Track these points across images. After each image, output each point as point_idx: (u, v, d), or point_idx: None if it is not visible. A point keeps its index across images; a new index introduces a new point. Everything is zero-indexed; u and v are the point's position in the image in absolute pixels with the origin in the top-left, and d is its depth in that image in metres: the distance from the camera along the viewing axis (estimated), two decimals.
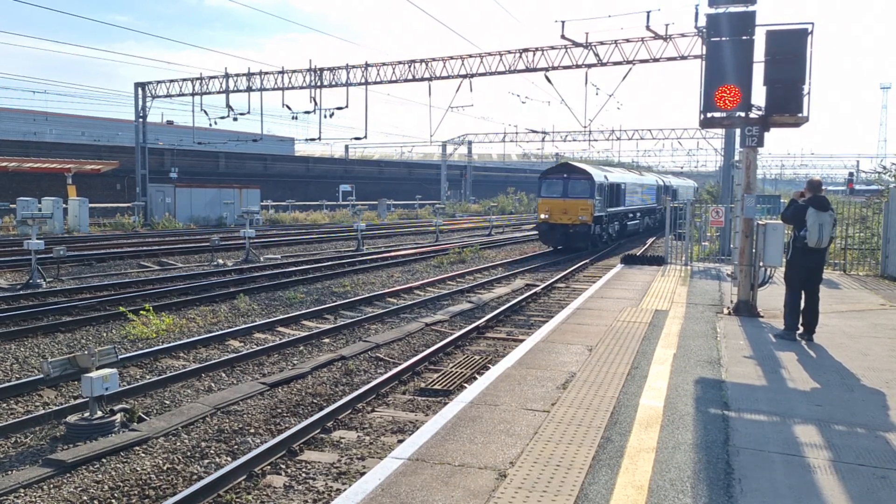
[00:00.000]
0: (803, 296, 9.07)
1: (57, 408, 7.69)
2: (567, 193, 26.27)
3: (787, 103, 9.81)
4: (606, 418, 5.77)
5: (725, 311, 10.94)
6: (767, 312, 10.62)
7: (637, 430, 5.51)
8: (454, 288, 16.96)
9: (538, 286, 17.27)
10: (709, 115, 10.25)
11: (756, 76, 9.86)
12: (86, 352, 7.20)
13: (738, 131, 11.96)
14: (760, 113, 10.01)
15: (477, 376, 8.85)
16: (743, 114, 10.05)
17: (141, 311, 12.08)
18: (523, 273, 20.54)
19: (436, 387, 8.69)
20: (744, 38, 9.89)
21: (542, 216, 26.70)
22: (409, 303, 14.75)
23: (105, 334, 11.61)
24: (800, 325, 9.09)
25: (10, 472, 6.14)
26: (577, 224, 26.04)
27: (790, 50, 9.69)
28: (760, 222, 10.74)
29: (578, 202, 26.04)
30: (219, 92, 34.64)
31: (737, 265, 11.06)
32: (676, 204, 33.66)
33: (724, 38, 10.01)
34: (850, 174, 54.51)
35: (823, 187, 9.35)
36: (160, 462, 6.40)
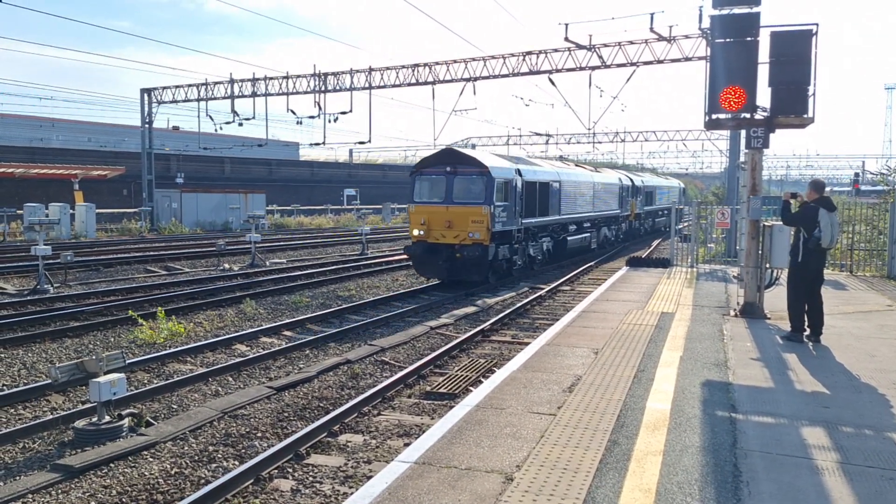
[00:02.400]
0: (806, 298, 9.04)
1: (65, 413, 7.72)
2: (451, 196, 16.99)
3: (793, 104, 9.79)
4: (613, 421, 5.76)
5: (732, 313, 10.91)
6: (774, 314, 10.59)
7: (644, 433, 5.49)
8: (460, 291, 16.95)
9: (543, 289, 17.26)
10: (714, 116, 10.24)
11: (761, 77, 9.86)
12: (93, 357, 7.24)
13: (743, 133, 11.92)
14: (765, 114, 9.99)
15: (482, 380, 8.84)
16: (748, 115, 10.03)
17: (150, 316, 12.12)
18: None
19: (441, 390, 8.68)
20: (748, 39, 9.88)
21: (416, 232, 17.22)
22: (414, 306, 14.75)
23: (112, 339, 11.65)
24: (805, 327, 9.07)
25: (18, 478, 6.16)
26: (467, 245, 16.58)
27: (795, 51, 9.67)
28: (767, 224, 10.72)
29: (468, 210, 16.62)
30: (224, 97, 34.76)
31: (743, 267, 11.03)
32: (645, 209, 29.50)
33: (728, 40, 10.01)
34: (856, 175, 54.32)
35: (827, 188, 9.36)
36: (168, 466, 6.42)
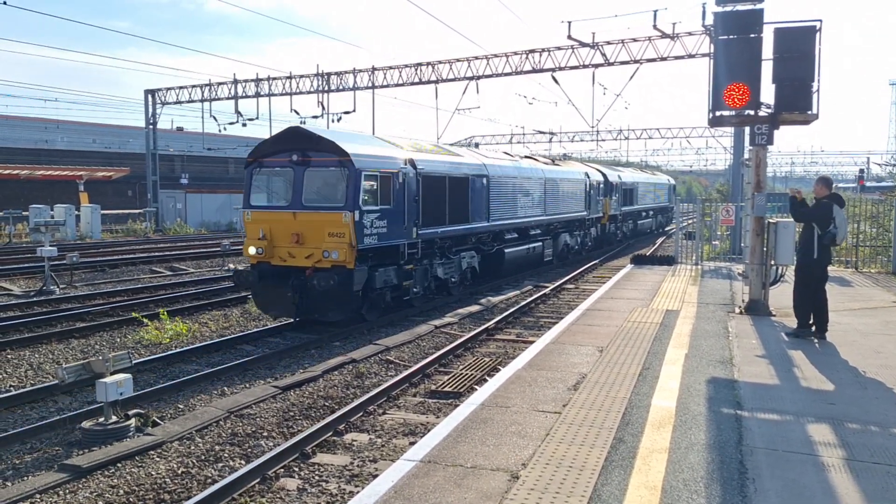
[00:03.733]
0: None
1: (72, 413, 7.76)
2: (301, 198, 11.88)
3: (797, 101, 9.76)
4: (618, 419, 5.76)
5: (737, 310, 10.89)
6: (779, 311, 10.57)
7: (649, 430, 5.50)
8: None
9: (547, 287, 17.25)
10: (718, 113, 10.22)
11: (765, 74, 9.83)
12: (100, 357, 7.27)
13: (747, 129, 11.90)
14: (769, 111, 9.96)
15: (487, 378, 8.85)
16: (752, 112, 10.01)
17: (155, 316, 12.16)
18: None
19: (446, 389, 8.70)
20: (752, 36, 9.85)
21: (252, 250, 12.10)
22: (418, 306, 14.77)
23: (119, 339, 11.70)
24: (810, 324, 9.05)
25: (26, 478, 6.20)
26: (322, 269, 11.53)
27: (799, 47, 9.64)
28: (771, 220, 10.70)
29: (323, 218, 11.68)
30: (228, 98, 34.84)
31: (748, 264, 11.01)
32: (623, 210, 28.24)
33: (731, 37, 9.98)
34: (861, 171, 54.12)
35: (834, 185, 9.37)
36: (175, 466, 6.45)
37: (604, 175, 27.49)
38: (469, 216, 15.66)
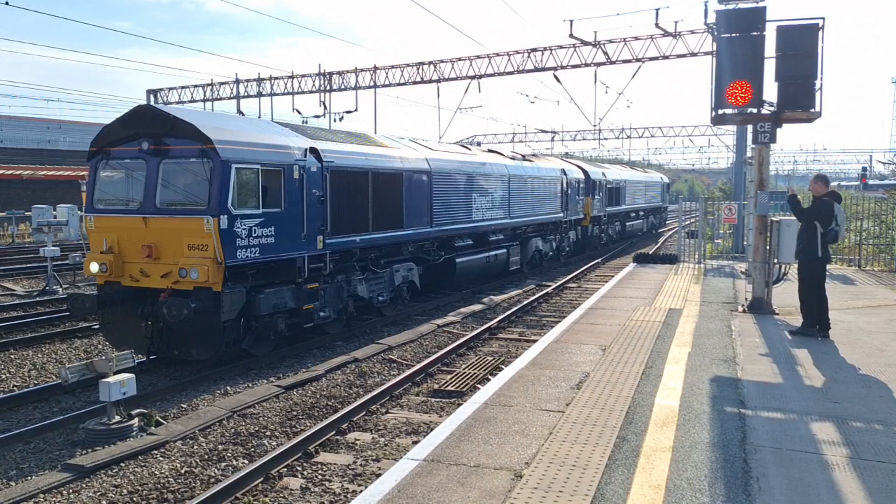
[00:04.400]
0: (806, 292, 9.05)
1: (75, 413, 7.77)
2: (154, 199, 9.28)
3: (799, 99, 9.76)
4: (622, 418, 5.75)
5: (740, 308, 10.87)
6: (782, 310, 10.55)
7: (653, 429, 5.49)
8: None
9: (549, 286, 17.24)
10: (720, 111, 10.21)
11: (767, 72, 9.82)
12: (103, 357, 7.27)
13: (749, 128, 11.89)
14: (772, 109, 9.95)
15: (490, 377, 8.84)
16: (755, 110, 10.00)
17: None
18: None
19: (449, 388, 8.69)
20: (754, 34, 9.84)
21: (94, 267, 9.49)
22: (421, 305, 14.76)
23: None
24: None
25: (29, 478, 6.20)
26: (181, 292, 8.94)
27: (801, 45, 9.63)
28: (774, 219, 10.68)
29: (180, 225, 9.10)
30: (230, 97, 34.87)
31: (751, 262, 11.00)
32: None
33: (734, 35, 9.96)
34: (864, 169, 53.99)
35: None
36: (178, 465, 6.45)
37: (585, 172, 25.33)
38: (403, 220, 13.05)
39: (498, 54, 27.91)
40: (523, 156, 21.31)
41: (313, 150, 10.62)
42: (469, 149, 18.15)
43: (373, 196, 12.06)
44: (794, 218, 10.02)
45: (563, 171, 22.46)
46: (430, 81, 29.52)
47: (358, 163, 11.85)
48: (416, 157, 14.01)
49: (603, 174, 27.68)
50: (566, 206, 22.42)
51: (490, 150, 19.90)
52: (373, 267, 12.60)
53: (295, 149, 10.30)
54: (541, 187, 20.21)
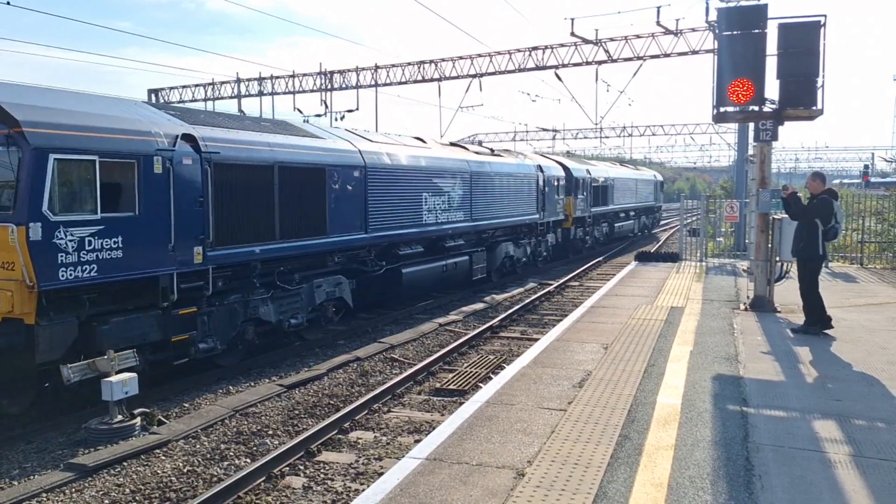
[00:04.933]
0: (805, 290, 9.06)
1: (77, 412, 7.77)
2: None
3: (801, 97, 9.74)
4: (624, 416, 5.75)
5: (742, 307, 10.86)
6: (784, 308, 10.54)
7: (655, 427, 5.49)
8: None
9: (551, 285, 17.24)
10: (722, 109, 10.19)
11: (769, 70, 9.80)
12: (105, 356, 7.27)
13: (751, 125, 11.87)
14: (774, 107, 9.94)
15: (492, 376, 8.84)
16: (756, 108, 9.98)
17: None
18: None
19: (451, 387, 8.70)
20: (756, 31, 9.82)
21: None
22: (424, 303, 14.76)
23: None
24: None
25: (32, 477, 6.21)
26: None
27: (803, 43, 9.62)
28: (776, 217, 10.67)
29: None
30: (231, 97, 34.91)
31: (753, 260, 10.98)
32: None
33: (735, 33, 9.95)
34: (866, 166, 53.93)
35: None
36: (180, 464, 6.46)
37: (566, 169, 23.12)
38: (327, 226, 10.81)
39: (499, 53, 27.91)
40: (492, 150, 19.16)
41: (188, 138, 8.45)
42: (423, 141, 15.64)
43: (281, 196, 9.84)
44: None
45: (540, 168, 20.24)
46: (432, 80, 29.53)
47: (257, 154, 9.54)
48: (345, 150, 11.57)
49: (587, 171, 25.55)
50: (543, 207, 20.12)
51: (452, 144, 17.49)
52: (282, 283, 10.22)
53: (158, 135, 8.09)
54: (512, 186, 17.94)
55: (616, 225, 29.69)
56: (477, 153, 17.27)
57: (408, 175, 13.26)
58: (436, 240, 14.66)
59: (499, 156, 18.60)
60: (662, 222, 44.44)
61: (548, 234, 21.36)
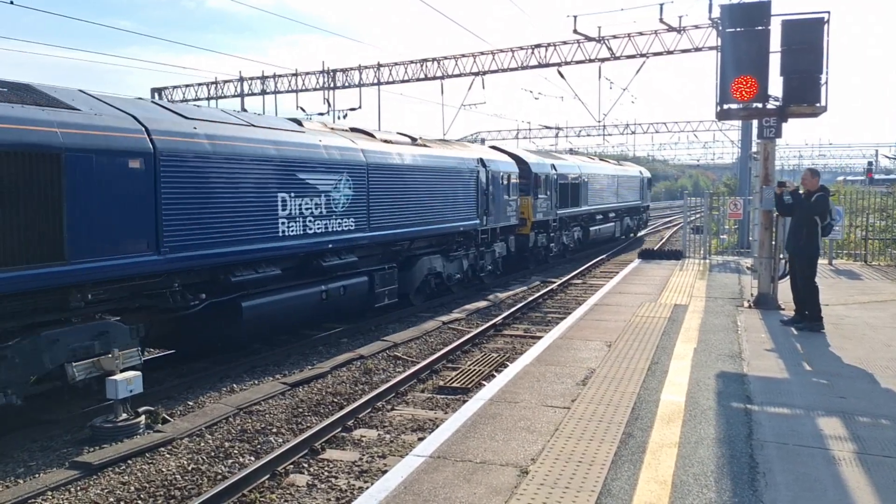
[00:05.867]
0: (800, 285, 9.10)
1: (82, 411, 7.79)
2: None
3: (805, 93, 9.72)
4: (627, 414, 5.75)
5: (746, 304, 10.85)
6: (788, 305, 10.51)
7: (659, 425, 5.48)
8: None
9: (554, 283, 17.23)
10: (725, 106, 10.17)
11: (772, 67, 9.78)
12: (110, 355, 7.29)
13: (754, 122, 11.84)
14: (778, 104, 9.91)
15: (495, 374, 8.85)
16: (760, 105, 9.96)
17: None
18: None
19: (454, 385, 8.70)
20: (759, 28, 9.80)
21: None
22: (426, 302, 14.77)
23: None
24: (794, 312, 9.11)
25: (37, 475, 6.23)
26: None
27: (807, 39, 9.59)
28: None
29: None
30: (234, 96, 34.96)
31: (756, 258, 10.97)
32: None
33: (739, 29, 9.93)
34: (869, 163, 53.78)
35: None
36: (185, 462, 6.48)
37: (523, 164, 19.50)
38: (65, 248, 6.95)
39: (502, 50, 27.89)
40: (414, 138, 14.67)
41: None
42: (300, 123, 11.61)
43: (73, 202, 6.96)
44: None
45: (482, 162, 16.12)
46: (434, 78, 29.52)
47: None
48: (111, 128, 7.52)
49: (552, 166, 21.69)
50: (486, 210, 16.14)
51: (353, 129, 13.24)
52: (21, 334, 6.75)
53: None
54: (436, 184, 13.98)
55: (592, 229, 25.88)
56: (386, 141, 13.08)
57: (248, 169, 9.23)
58: (308, 257, 10.70)
59: (423, 146, 14.45)
60: (651, 223, 40.96)
61: (495, 244, 17.22)
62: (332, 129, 12.51)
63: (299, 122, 11.74)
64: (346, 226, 11.24)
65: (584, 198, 24.61)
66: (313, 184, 10.49)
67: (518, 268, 19.81)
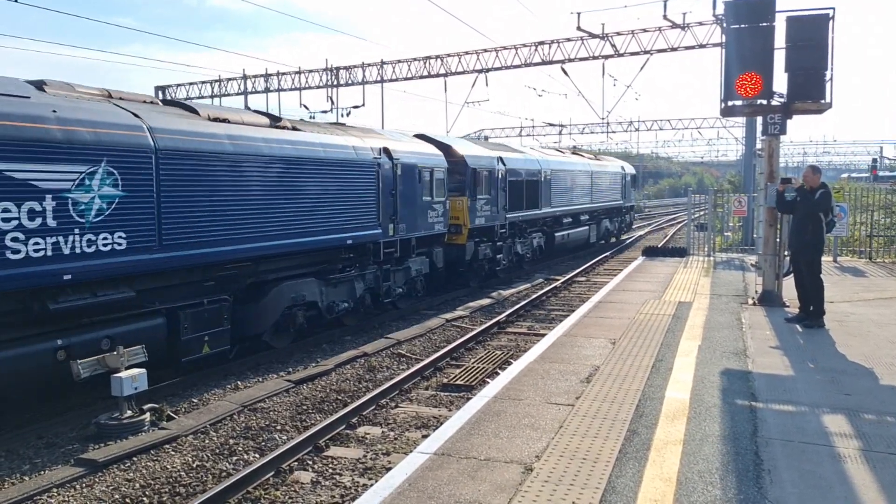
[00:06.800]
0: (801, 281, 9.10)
1: (87, 408, 7.82)
2: None
3: (809, 90, 9.67)
4: (632, 411, 5.74)
5: (750, 301, 10.82)
6: (793, 302, 10.47)
7: (663, 422, 5.47)
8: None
9: (558, 280, 17.22)
10: (729, 103, 10.13)
11: (777, 63, 9.73)
12: (114, 352, 7.31)
13: (759, 119, 11.80)
14: (782, 100, 9.87)
15: (499, 371, 8.85)
16: (764, 101, 9.92)
17: None
18: None
19: (458, 382, 8.70)
20: (764, 24, 9.76)
21: None
22: (430, 299, 14.76)
23: None
24: (798, 309, 9.11)
25: (43, 472, 6.26)
26: None
27: (811, 36, 9.54)
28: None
29: None
30: (237, 93, 34.95)
31: (761, 255, 10.94)
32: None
33: (743, 26, 9.89)
34: (874, 160, 53.55)
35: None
36: (190, 459, 6.49)
37: (452, 156, 15.58)
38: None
39: (505, 48, 27.83)
40: (273, 117, 10.90)
41: None
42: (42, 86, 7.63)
43: None
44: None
45: (387, 153, 12.56)
46: (437, 76, 29.47)
47: None
48: None
49: (500, 160, 17.61)
50: (394, 216, 12.66)
51: (168, 102, 10.04)
52: None
53: None
54: (305, 179, 10.32)
55: (558, 234, 21.73)
56: (217, 119, 9.34)
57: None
58: (26, 296, 7.02)
59: (288, 128, 10.61)
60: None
61: (409, 260, 13.63)
62: (108, 97, 8.40)
63: (39, 84, 7.67)
64: (104, 244, 7.39)
65: (547, 198, 20.62)
66: (22, 178, 6.64)
67: (445, 288, 15.88)
